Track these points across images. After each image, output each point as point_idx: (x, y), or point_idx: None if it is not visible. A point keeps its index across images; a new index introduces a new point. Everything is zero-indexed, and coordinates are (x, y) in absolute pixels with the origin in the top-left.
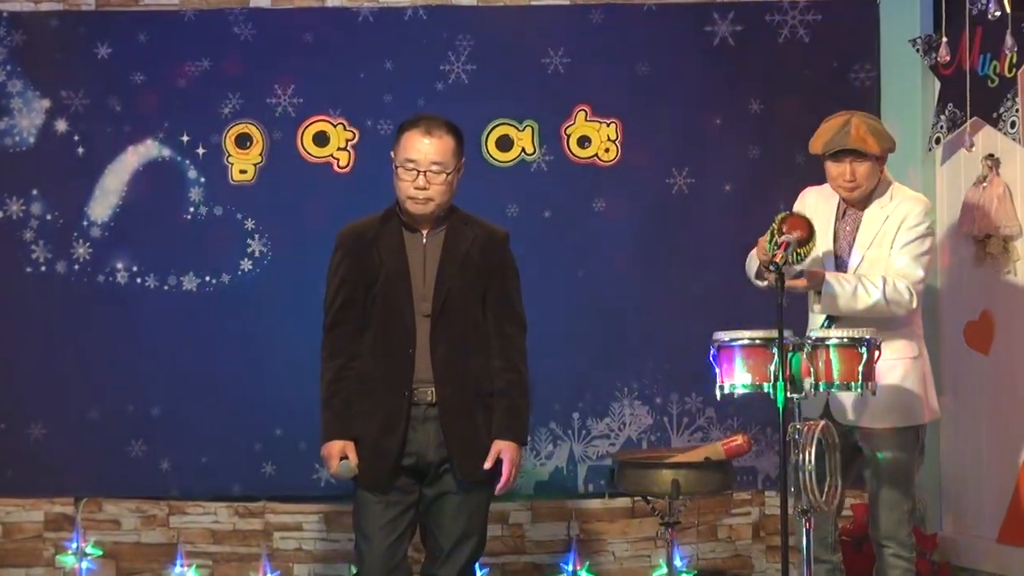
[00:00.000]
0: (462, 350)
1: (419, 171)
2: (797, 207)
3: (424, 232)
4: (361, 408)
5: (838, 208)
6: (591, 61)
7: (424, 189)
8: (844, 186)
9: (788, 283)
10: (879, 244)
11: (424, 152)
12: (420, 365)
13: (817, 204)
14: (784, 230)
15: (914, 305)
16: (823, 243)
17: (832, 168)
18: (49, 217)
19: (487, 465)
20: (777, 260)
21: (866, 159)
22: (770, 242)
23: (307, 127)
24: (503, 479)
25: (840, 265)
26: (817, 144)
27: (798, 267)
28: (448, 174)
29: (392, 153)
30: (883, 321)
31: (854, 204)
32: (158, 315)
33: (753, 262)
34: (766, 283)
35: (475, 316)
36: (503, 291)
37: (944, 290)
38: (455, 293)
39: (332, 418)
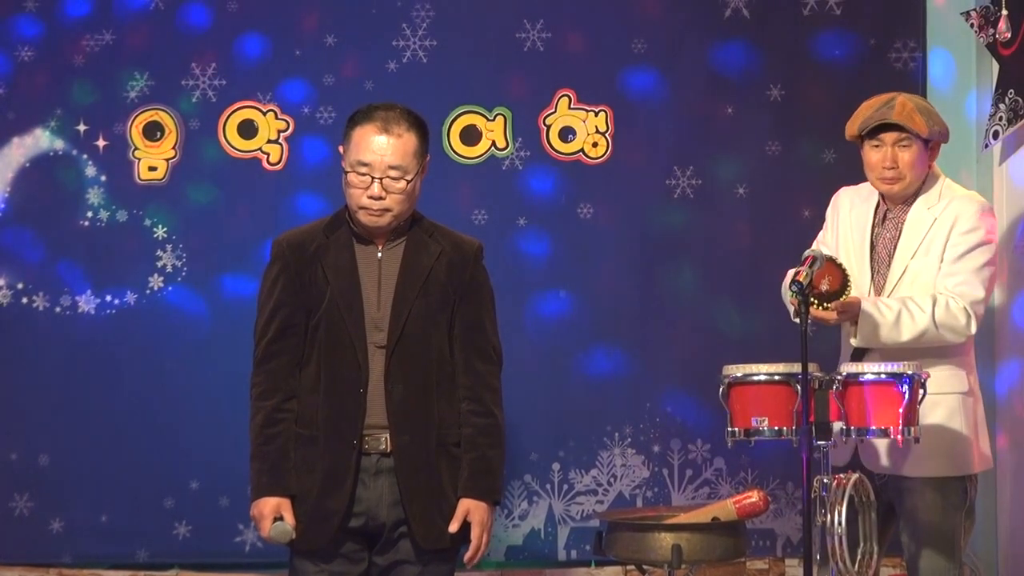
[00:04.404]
0: (424, 389)
1: (374, 177)
2: (829, 214)
3: (379, 245)
4: (300, 459)
5: (876, 211)
6: (576, 36)
7: (380, 199)
8: (885, 176)
9: (816, 314)
10: (925, 252)
11: (380, 154)
12: (372, 407)
13: (852, 208)
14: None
15: (972, 331)
16: (859, 255)
17: (871, 154)
18: None
19: (452, 528)
20: (800, 279)
21: (913, 142)
22: (792, 283)
23: (231, 115)
24: (472, 546)
25: (878, 279)
26: (854, 125)
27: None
28: (409, 180)
29: (340, 150)
30: (927, 348)
31: (897, 203)
32: (48, 342)
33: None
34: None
35: (440, 348)
36: (474, 317)
37: (1004, 313)
38: (416, 320)
39: (264, 470)
